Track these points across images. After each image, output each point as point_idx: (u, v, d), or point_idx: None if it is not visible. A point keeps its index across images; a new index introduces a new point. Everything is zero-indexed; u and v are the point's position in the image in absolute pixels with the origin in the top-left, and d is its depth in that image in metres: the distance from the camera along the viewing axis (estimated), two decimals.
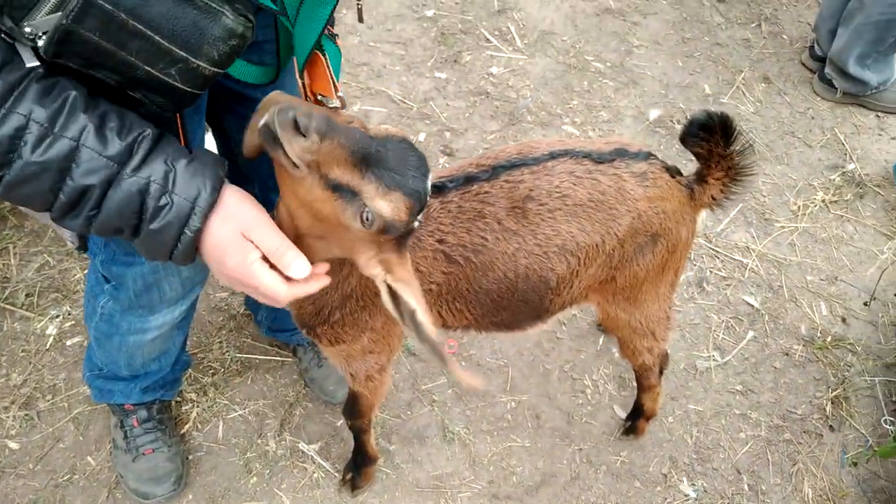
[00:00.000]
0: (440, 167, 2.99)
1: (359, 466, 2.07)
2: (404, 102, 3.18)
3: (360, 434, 1.99)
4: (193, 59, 0.97)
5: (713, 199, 1.60)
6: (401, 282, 1.10)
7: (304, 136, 0.95)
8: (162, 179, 1.00)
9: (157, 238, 1.03)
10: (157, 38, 0.93)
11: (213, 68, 1.00)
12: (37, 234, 2.61)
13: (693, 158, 1.61)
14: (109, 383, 1.96)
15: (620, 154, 1.52)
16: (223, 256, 1.06)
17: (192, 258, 1.07)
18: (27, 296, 2.43)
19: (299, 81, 1.18)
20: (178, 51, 0.95)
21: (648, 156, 1.55)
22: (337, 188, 1.00)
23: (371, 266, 1.11)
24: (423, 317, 1.08)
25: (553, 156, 1.50)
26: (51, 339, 2.34)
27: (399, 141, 1.03)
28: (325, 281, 1.16)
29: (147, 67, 0.96)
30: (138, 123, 1.02)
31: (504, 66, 3.38)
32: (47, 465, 2.09)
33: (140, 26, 0.91)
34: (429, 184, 1.05)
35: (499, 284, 1.53)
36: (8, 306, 2.40)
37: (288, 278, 1.08)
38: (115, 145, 0.97)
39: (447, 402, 2.32)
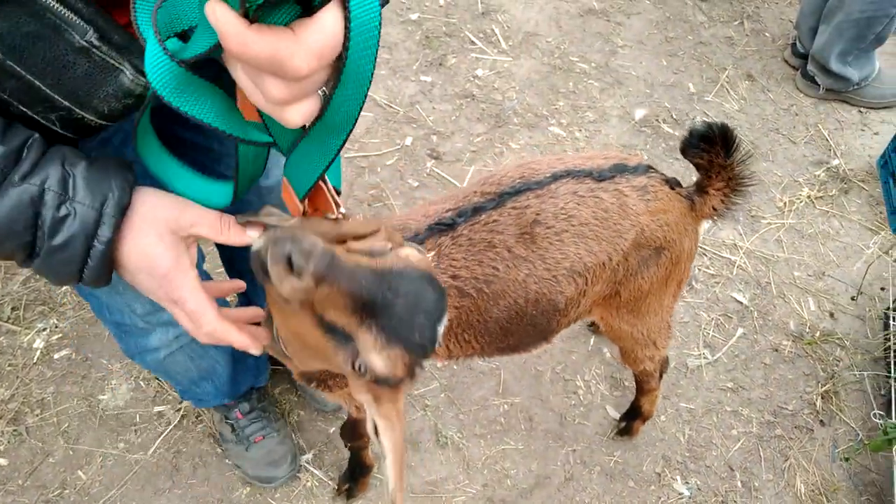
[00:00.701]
0: (427, 171, 2.99)
1: (356, 477, 2.06)
2: (390, 107, 3.17)
3: (358, 450, 1.99)
4: (78, 111, 0.88)
5: (714, 209, 1.60)
6: (384, 420, 0.98)
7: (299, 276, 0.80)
8: (59, 185, 0.84)
9: (61, 256, 0.86)
10: (37, 83, 0.83)
11: (100, 121, 0.90)
12: None
13: (681, 157, 1.62)
14: (200, 394, 1.95)
15: (620, 170, 1.51)
16: (152, 266, 0.91)
17: (108, 277, 0.91)
18: (13, 309, 2.40)
19: (299, 206, 0.96)
20: (60, 100, 0.86)
21: (648, 169, 1.54)
22: (330, 329, 0.85)
23: (360, 392, 0.98)
24: (391, 469, 0.98)
25: (555, 177, 1.49)
26: (38, 352, 2.32)
27: (416, 277, 0.85)
28: (258, 349, 1.03)
29: (22, 108, 0.85)
30: (24, 130, 0.86)
31: (489, 69, 3.38)
32: (37, 480, 2.07)
33: (18, 68, 0.81)
34: (440, 330, 0.90)
35: (508, 311, 1.51)
36: None
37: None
38: None
39: (440, 406, 2.32)
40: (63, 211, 0.84)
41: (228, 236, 0.94)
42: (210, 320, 0.94)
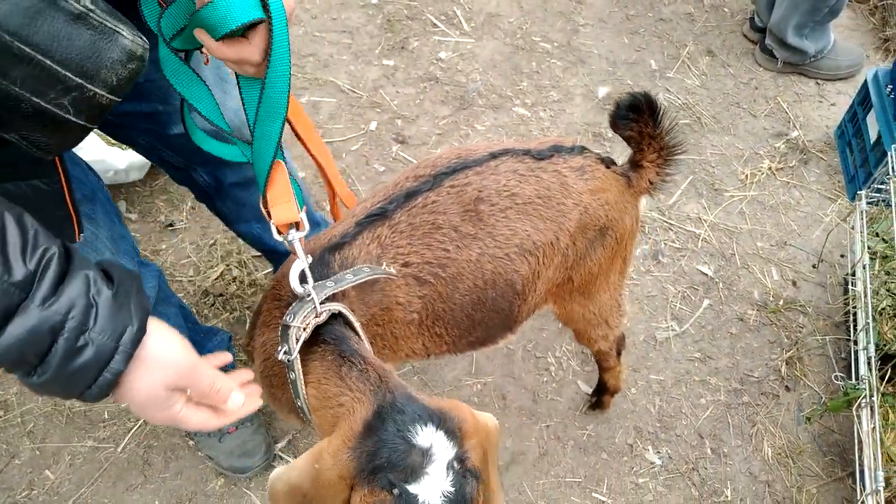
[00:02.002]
0: (393, 155, 2.97)
1: None
2: (354, 92, 3.14)
3: None
4: (89, 86, 0.87)
5: (650, 183, 1.61)
6: None
7: None
8: (82, 315, 0.81)
9: (66, 381, 0.83)
10: (47, 62, 0.82)
11: (110, 96, 0.91)
12: None
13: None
14: None
15: (557, 150, 1.52)
16: (144, 408, 0.93)
17: (105, 396, 0.91)
18: None
19: (264, 211, 1.18)
20: (72, 77, 0.85)
21: (583, 150, 1.56)
22: None
23: None
24: None
25: (494, 155, 1.48)
26: None
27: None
28: (258, 402, 1.08)
29: (35, 99, 0.84)
30: (43, 236, 0.82)
31: (452, 51, 3.36)
32: (4, 482, 2.03)
33: (27, 49, 0.80)
34: None
35: (470, 295, 1.50)
36: None
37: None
38: (20, 269, 0.77)
39: (414, 388, 2.32)
40: (81, 342, 0.82)
41: (214, 399, 0.98)
42: (218, 424, 0.99)
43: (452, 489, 1.01)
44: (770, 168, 3.03)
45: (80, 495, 2.02)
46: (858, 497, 1.94)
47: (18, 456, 2.07)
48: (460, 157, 1.49)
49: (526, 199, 1.47)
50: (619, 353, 2.09)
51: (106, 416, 2.20)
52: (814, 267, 2.72)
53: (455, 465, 1.03)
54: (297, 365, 1.19)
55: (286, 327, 1.19)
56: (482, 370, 2.39)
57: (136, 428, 2.18)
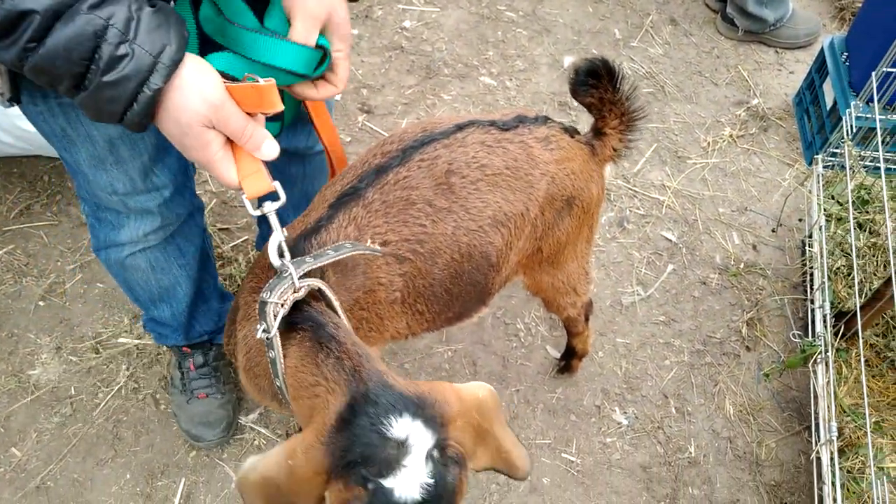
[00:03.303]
0: (359, 125, 2.95)
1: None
2: None
3: None
4: None
5: (614, 150, 1.62)
6: None
7: None
8: (123, 25, 0.88)
9: (110, 93, 0.90)
10: None
11: None
12: None
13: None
14: (159, 326, 1.97)
15: (521, 121, 1.51)
16: (182, 140, 0.99)
17: (146, 125, 0.97)
18: None
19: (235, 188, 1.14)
20: None
21: (546, 119, 1.55)
22: None
23: None
24: None
25: (460, 127, 1.46)
26: None
27: None
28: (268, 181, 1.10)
29: None
30: None
31: (417, 20, 3.33)
32: None
33: None
34: None
35: (448, 270, 1.49)
36: None
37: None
38: None
39: (385, 357, 2.34)
40: (122, 50, 0.88)
41: (245, 143, 1.01)
42: (237, 186, 1.04)
43: (432, 480, 0.98)
44: (731, 135, 3.09)
45: (49, 472, 2.00)
46: (813, 448, 2.02)
47: None
48: (426, 129, 1.47)
49: (495, 171, 1.46)
50: (587, 319, 2.13)
51: (73, 392, 2.17)
52: (773, 231, 2.80)
53: (435, 454, 1.00)
54: (277, 342, 1.15)
55: (264, 304, 1.14)
56: (453, 338, 2.42)
57: (103, 403, 2.16)
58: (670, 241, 2.74)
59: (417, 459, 0.98)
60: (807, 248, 2.51)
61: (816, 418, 2.03)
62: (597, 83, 1.51)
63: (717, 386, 2.40)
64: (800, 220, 2.82)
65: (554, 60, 3.29)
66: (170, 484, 2.03)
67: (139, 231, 1.60)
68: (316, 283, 1.20)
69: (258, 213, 1.10)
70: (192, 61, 0.96)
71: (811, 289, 2.37)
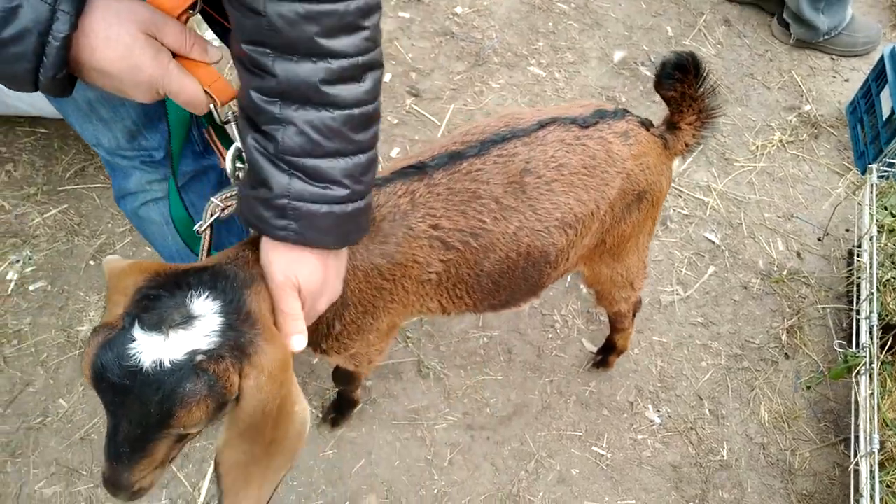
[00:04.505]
0: (406, 108, 2.96)
1: (342, 410, 2.10)
2: None
3: (349, 392, 2.02)
4: None
5: (686, 145, 1.62)
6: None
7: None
8: None
9: (14, 50, 0.83)
10: None
11: None
12: None
13: (659, 100, 1.62)
14: None
15: (601, 116, 1.50)
16: (134, 68, 0.91)
17: (65, 85, 0.90)
18: None
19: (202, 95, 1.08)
20: None
21: (625, 113, 1.55)
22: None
23: None
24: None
25: (542, 125, 1.45)
26: (12, 284, 2.28)
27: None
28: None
29: None
30: None
31: (469, 6, 3.33)
32: (18, 408, 2.06)
33: None
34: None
35: (500, 265, 1.48)
36: None
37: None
38: None
39: (421, 339, 2.36)
40: (14, 1, 0.81)
41: (190, 52, 0.98)
42: (202, 97, 1.01)
43: (172, 367, 0.90)
44: (781, 140, 3.05)
45: (93, 425, 2.05)
46: (852, 460, 2.00)
47: (32, 384, 2.10)
48: (508, 124, 1.47)
49: (572, 170, 1.45)
50: (633, 315, 2.12)
51: None
52: (819, 240, 2.76)
53: (199, 358, 0.92)
54: (205, 237, 1.18)
55: (209, 202, 1.17)
56: (489, 324, 2.43)
57: None
58: (713, 242, 2.72)
59: (181, 344, 0.92)
60: (855, 257, 2.47)
61: (856, 430, 2.01)
62: (683, 77, 1.50)
63: (753, 391, 2.38)
64: (847, 230, 2.78)
65: (604, 54, 3.26)
66: (206, 446, 2.07)
67: (143, 179, 1.57)
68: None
69: (221, 119, 1.10)
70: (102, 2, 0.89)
71: (857, 299, 2.33)
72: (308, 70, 0.92)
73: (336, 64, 0.93)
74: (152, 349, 0.90)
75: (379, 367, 2.27)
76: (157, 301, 0.94)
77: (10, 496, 1.94)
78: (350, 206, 1.03)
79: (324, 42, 0.91)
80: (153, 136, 1.47)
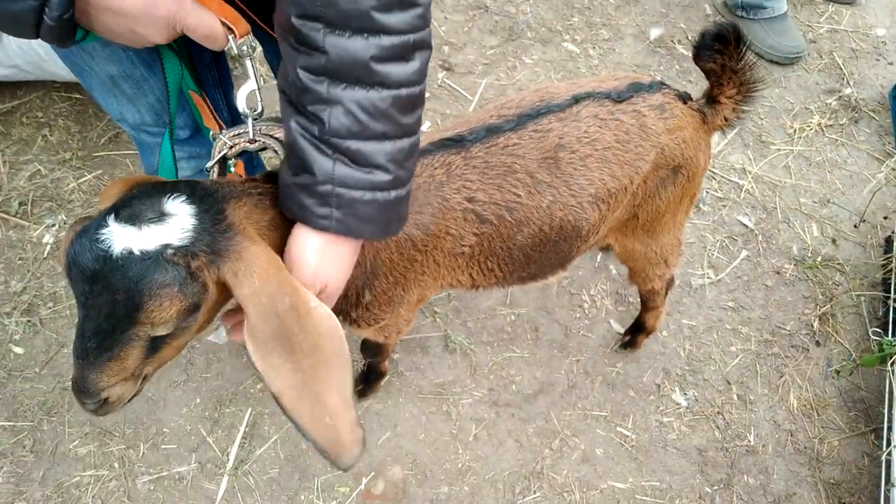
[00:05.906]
0: (439, 82, 2.93)
1: (370, 381, 2.12)
2: None
3: (378, 364, 2.03)
4: None
5: (725, 120, 1.58)
6: None
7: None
8: None
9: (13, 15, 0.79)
10: None
11: None
12: (25, 142, 2.54)
13: (695, 80, 1.58)
14: None
15: (636, 89, 1.48)
16: (151, 5, 0.90)
17: (68, 32, 0.86)
18: (20, 204, 2.38)
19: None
20: None
21: (661, 85, 1.52)
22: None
23: None
24: None
25: (577, 100, 1.44)
26: (48, 247, 2.31)
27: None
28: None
29: None
30: None
31: None
32: (53, 368, 2.10)
33: None
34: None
35: (532, 239, 1.48)
36: (2, 214, 2.34)
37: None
38: None
39: (449, 314, 2.36)
40: None
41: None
42: (221, 30, 1.00)
43: (141, 255, 0.89)
44: (819, 124, 2.98)
45: None
46: (884, 449, 1.98)
47: (67, 346, 2.14)
48: (543, 99, 1.46)
49: (605, 145, 1.44)
50: (666, 294, 2.10)
51: None
52: (855, 227, 2.70)
53: (170, 252, 0.91)
54: (213, 173, 1.18)
55: (216, 138, 1.16)
56: (517, 302, 2.42)
57: None
58: (746, 226, 2.67)
59: (152, 235, 0.91)
60: (894, 244, 2.42)
61: (889, 420, 1.98)
62: (723, 49, 1.46)
63: (782, 378, 2.35)
64: (885, 217, 2.72)
65: (640, 31, 3.20)
66: (236, 412, 2.10)
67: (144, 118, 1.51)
68: (273, 144, 1.16)
69: (234, 51, 1.06)
70: None
71: (895, 287, 2.29)
72: (360, 46, 0.90)
73: (388, 41, 0.91)
74: (124, 238, 0.90)
75: (405, 341, 2.28)
76: (136, 200, 0.94)
77: (46, 453, 1.98)
78: (393, 193, 1.02)
79: (379, 16, 0.89)
80: (180, 116, 1.46)
